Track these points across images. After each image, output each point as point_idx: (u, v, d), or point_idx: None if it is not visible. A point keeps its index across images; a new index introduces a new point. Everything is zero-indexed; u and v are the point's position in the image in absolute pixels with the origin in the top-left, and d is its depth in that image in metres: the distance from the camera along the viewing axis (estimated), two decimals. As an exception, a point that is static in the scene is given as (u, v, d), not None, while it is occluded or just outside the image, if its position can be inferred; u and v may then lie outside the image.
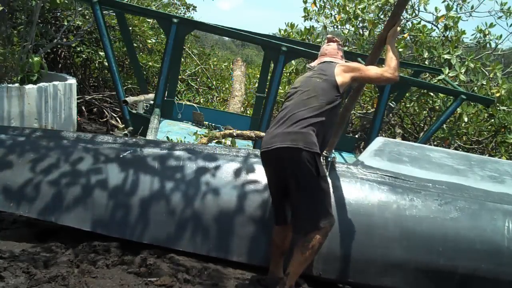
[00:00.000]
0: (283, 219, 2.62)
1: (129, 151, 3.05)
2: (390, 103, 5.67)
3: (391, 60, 2.63)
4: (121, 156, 3.03)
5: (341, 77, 2.57)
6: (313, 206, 2.42)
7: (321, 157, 2.57)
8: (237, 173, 2.97)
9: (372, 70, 2.64)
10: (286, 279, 2.44)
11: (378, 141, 3.21)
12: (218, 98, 9.47)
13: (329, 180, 2.60)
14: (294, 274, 2.46)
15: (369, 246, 2.78)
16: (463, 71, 5.70)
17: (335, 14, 7.54)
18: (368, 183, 2.94)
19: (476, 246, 2.78)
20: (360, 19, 7.19)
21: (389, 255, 2.78)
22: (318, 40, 7.34)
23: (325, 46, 2.87)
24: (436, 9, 6.90)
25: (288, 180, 2.45)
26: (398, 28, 2.77)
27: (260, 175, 2.91)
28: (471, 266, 2.76)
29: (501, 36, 6.91)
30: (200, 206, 2.87)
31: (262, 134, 4.38)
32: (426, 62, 6.44)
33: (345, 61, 2.85)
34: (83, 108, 8.18)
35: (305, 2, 7.68)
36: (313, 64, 2.84)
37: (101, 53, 7.99)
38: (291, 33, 7.42)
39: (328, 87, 2.52)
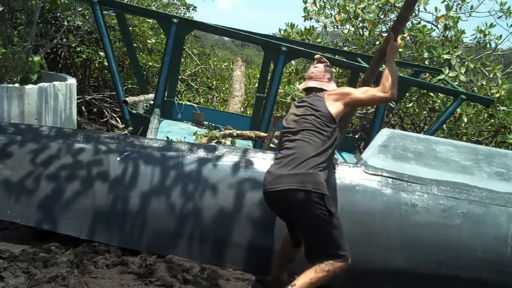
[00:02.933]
0: (298, 242, 2.57)
1: (126, 153, 3.04)
2: (390, 103, 5.68)
3: (387, 78, 2.51)
4: (118, 160, 2.99)
5: (334, 107, 2.50)
6: (328, 244, 2.35)
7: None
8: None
9: (364, 93, 2.55)
10: None
11: (383, 134, 3.10)
12: (218, 98, 9.47)
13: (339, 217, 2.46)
14: None
15: (370, 254, 2.74)
16: (463, 71, 5.70)
17: (335, 14, 7.54)
18: (370, 186, 2.85)
19: (479, 254, 2.72)
20: (360, 19, 7.19)
21: (390, 263, 2.74)
22: (318, 40, 7.35)
23: (312, 68, 2.78)
24: (436, 9, 6.91)
25: (298, 222, 2.40)
26: (399, 41, 2.68)
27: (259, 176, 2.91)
28: (473, 274, 2.72)
29: (501, 36, 6.92)
30: (197, 214, 2.85)
31: (262, 134, 4.38)
32: (426, 62, 6.44)
33: (333, 82, 2.76)
34: (83, 108, 8.19)
35: (305, 2, 7.68)
36: (299, 86, 2.76)
37: (101, 53, 8.00)
38: (291, 33, 7.42)
39: (325, 121, 2.47)
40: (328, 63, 2.79)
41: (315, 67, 2.77)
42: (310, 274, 2.31)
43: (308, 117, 2.50)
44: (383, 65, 2.72)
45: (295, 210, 2.34)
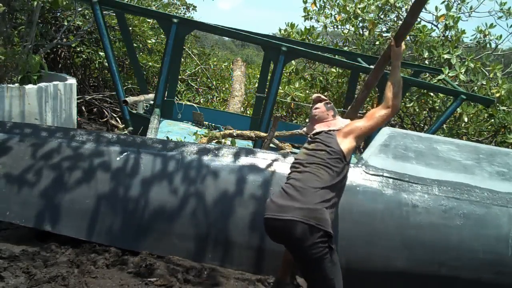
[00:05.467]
0: None
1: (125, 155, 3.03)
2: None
3: (389, 89, 2.51)
4: (116, 162, 2.99)
5: (346, 144, 2.48)
6: (323, 283, 2.31)
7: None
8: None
9: (370, 119, 2.54)
10: None
11: (384, 133, 3.09)
12: (218, 98, 9.47)
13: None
14: None
15: (370, 255, 2.73)
16: (463, 71, 5.70)
17: (335, 14, 7.54)
18: (371, 187, 2.85)
19: (480, 255, 2.71)
20: (360, 19, 7.19)
21: (390, 264, 2.73)
22: (318, 40, 7.35)
23: (312, 109, 2.73)
24: (436, 8, 6.91)
25: (295, 254, 2.36)
26: (403, 47, 2.63)
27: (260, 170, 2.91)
28: (473, 275, 2.71)
29: (501, 36, 6.93)
30: (198, 216, 2.84)
31: (262, 134, 4.38)
32: (426, 62, 6.44)
33: (338, 116, 2.70)
34: (83, 108, 8.19)
35: (305, 2, 7.68)
36: (305, 129, 2.72)
37: (101, 53, 8.00)
38: (291, 33, 7.42)
39: (336, 158, 2.44)
40: (327, 100, 2.74)
41: (316, 108, 2.70)
42: None
43: (319, 152, 2.47)
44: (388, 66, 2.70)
45: (295, 242, 2.29)
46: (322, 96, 2.76)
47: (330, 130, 2.57)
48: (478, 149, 3.11)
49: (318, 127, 2.62)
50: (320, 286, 2.33)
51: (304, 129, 2.74)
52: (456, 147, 3.07)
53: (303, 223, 2.23)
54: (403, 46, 2.64)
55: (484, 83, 5.76)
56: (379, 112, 2.53)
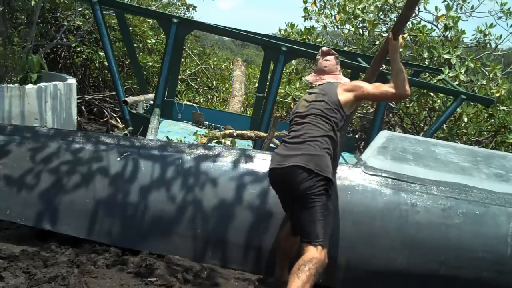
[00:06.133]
0: (296, 230, 2.57)
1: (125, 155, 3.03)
2: (390, 103, 5.67)
3: (397, 75, 2.52)
4: (117, 162, 2.98)
5: (344, 96, 2.54)
6: (312, 225, 2.34)
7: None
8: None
9: (376, 88, 2.57)
10: None
11: (382, 136, 3.12)
12: (218, 98, 9.47)
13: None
14: None
15: (370, 254, 2.73)
16: (463, 71, 5.70)
17: (335, 14, 7.54)
18: (370, 187, 2.85)
19: (479, 254, 2.71)
20: (360, 19, 7.20)
21: (390, 264, 2.73)
22: (318, 40, 7.35)
23: (322, 61, 2.74)
24: (436, 8, 6.92)
25: (295, 199, 2.41)
26: (401, 40, 2.65)
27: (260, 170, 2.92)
28: (473, 274, 2.72)
29: (501, 36, 6.94)
30: (197, 214, 2.84)
31: (262, 134, 4.38)
32: (426, 62, 6.44)
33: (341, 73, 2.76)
34: (83, 108, 8.20)
35: (305, 2, 7.69)
36: (310, 79, 2.76)
37: (101, 53, 8.00)
38: (291, 33, 7.42)
39: (333, 108, 2.51)
40: (337, 54, 2.81)
41: (325, 60, 2.75)
42: (295, 281, 2.24)
43: (317, 103, 2.55)
44: (384, 65, 2.71)
45: (294, 186, 2.37)
46: (332, 50, 2.83)
47: (332, 81, 2.65)
48: (475, 152, 3.16)
49: (327, 78, 2.69)
50: (309, 228, 2.35)
51: (308, 77, 2.79)
52: (453, 150, 3.12)
53: (302, 167, 2.35)
54: (401, 40, 2.66)
55: (484, 83, 5.76)
56: (386, 88, 2.55)
